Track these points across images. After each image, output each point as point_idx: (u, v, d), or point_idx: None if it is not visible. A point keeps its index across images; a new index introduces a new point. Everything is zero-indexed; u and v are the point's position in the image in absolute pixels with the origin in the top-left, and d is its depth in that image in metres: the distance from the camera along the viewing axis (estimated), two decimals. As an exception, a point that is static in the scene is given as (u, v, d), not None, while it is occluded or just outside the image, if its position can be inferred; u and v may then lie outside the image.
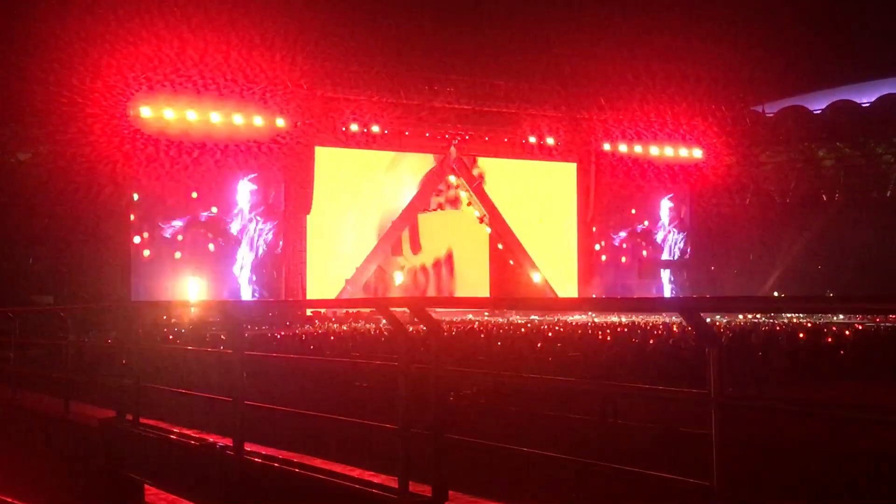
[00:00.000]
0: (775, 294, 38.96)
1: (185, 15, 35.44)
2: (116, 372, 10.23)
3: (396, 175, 41.62)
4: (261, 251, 37.89)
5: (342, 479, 6.62)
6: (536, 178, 44.32)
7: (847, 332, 25.39)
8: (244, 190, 37.71)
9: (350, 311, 36.38)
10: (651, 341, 23.10)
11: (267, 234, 37.97)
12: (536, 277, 43.58)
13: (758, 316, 32.62)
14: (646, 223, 46.55)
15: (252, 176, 37.76)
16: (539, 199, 44.31)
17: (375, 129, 40.02)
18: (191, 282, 36.41)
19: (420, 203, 41.85)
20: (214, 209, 37.11)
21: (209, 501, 8.02)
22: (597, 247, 45.26)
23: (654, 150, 45.44)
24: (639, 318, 33.80)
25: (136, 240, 35.68)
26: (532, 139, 43.08)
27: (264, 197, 38.03)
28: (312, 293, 38.80)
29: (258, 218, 37.88)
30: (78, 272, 33.57)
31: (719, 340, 4.71)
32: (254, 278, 37.73)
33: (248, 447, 7.66)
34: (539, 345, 22.54)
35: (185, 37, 35.55)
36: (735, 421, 4.58)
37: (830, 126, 45.17)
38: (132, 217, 35.60)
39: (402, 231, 41.76)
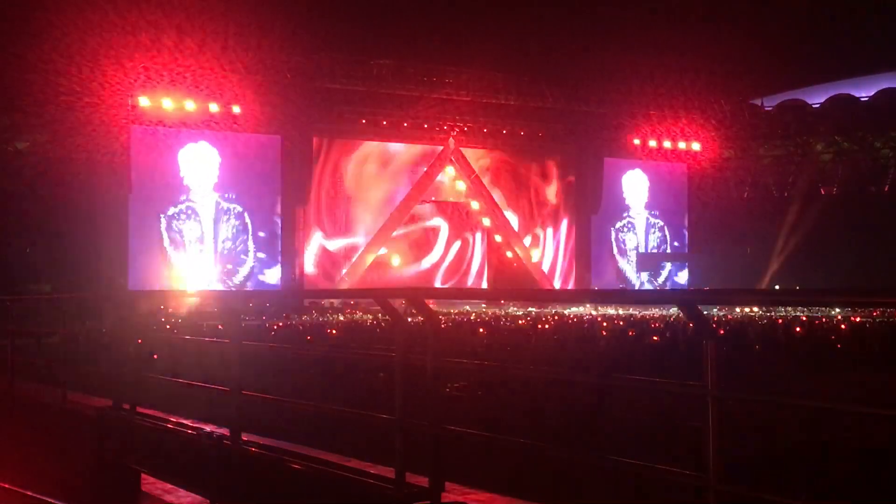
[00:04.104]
0: (776, 287, 38.95)
1: (183, 4, 35.38)
2: (113, 361, 10.23)
3: (394, 166, 41.59)
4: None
5: (339, 469, 6.63)
6: (535, 170, 44.38)
7: (844, 326, 25.47)
8: (242, 179, 37.68)
9: (349, 301, 36.48)
10: (649, 334, 23.16)
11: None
12: (533, 269, 43.59)
13: (755, 309, 32.70)
14: (644, 216, 46.55)
15: (250, 165, 37.72)
16: (537, 190, 44.38)
17: (374, 120, 40.01)
18: (188, 271, 36.43)
19: (418, 194, 41.82)
20: (214, 198, 37.06)
21: (206, 491, 8.03)
22: (595, 240, 45.27)
23: (651, 143, 45.45)
24: (637, 311, 33.88)
25: (134, 229, 35.65)
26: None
27: (262, 186, 38.01)
28: (309, 283, 38.84)
29: (256, 206, 37.85)
30: (76, 261, 33.55)
31: (716, 333, 4.72)
32: (253, 267, 37.76)
33: (245, 437, 7.68)
34: (536, 337, 22.60)
35: (184, 27, 35.48)
36: (731, 414, 4.59)
37: (829, 120, 45.14)
38: (130, 206, 35.54)
39: (400, 222, 41.72)
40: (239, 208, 37.63)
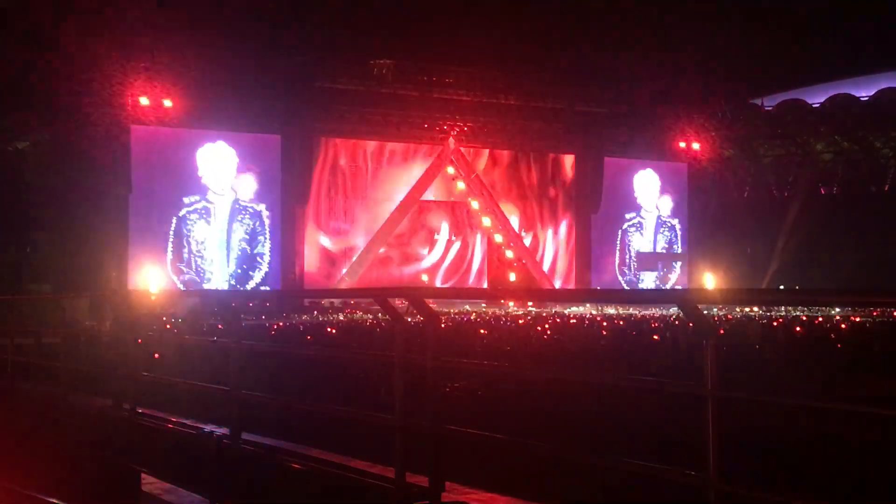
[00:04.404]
0: (780, 287, 38.91)
1: (184, 4, 35.40)
2: (113, 361, 10.24)
3: (394, 166, 41.57)
4: (260, 241, 37.85)
5: (339, 469, 6.63)
6: (535, 170, 44.40)
7: (844, 326, 25.48)
8: (243, 180, 37.66)
9: (349, 301, 36.46)
10: (648, 333, 23.15)
11: (264, 224, 37.92)
12: (534, 269, 43.58)
13: (755, 309, 32.70)
14: (644, 216, 46.51)
15: (250, 165, 37.71)
16: (537, 190, 44.41)
17: (374, 119, 40.01)
18: (188, 271, 36.41)
19: (418, 194, 41.80)
20: (213, 198, 37.03)
21: (206, 490, 8.04)
22: (595, 238, 45.24)
23: (652, 143, 45.40)
24: (637, 310, 33.88)
25: (134, 229, 35.61)
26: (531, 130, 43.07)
27: (262, 186, 37.99)
28: (310, 283, 38.83)
29: (257, 207, 37.83)
30: (76, 261, 33.56)
31: (716, 333, 4.72)
32: (250, 268, 37.74)
33: (244, 437, 7.68)
34: (538, 336, 22.60)
35: (184, 27, 35.47)
36: (731, 413, 4.59)
37: (829, 120, 45.16)
38: (130, 206, 35.49)
39: (400, 222, 41.71)
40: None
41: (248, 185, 37.78)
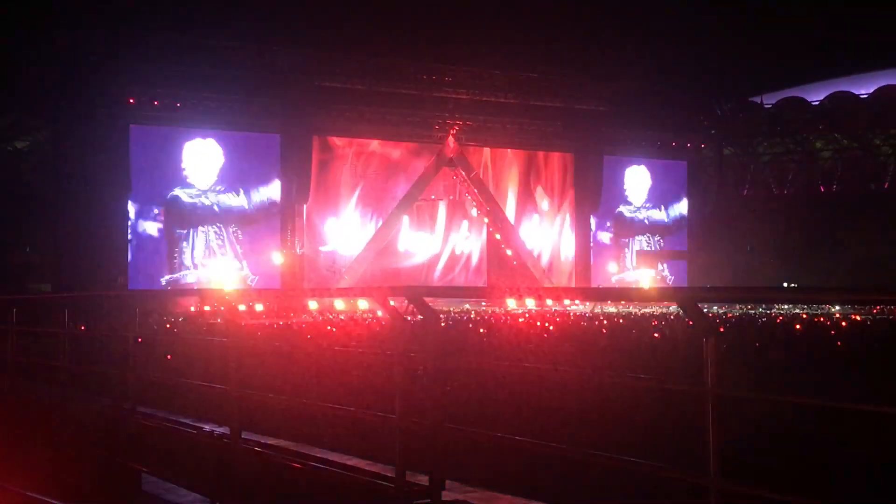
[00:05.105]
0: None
1: (186, 3, 35.41)
2: (113, 361, 10.23)
3: (394, 165, 41.56)
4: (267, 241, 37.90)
5: (339, 468, 6.62)
6: (535, 168, 44.38)
7: (844, 324, 25.47)
8: (241, 178, 37.68)
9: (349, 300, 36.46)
10: (648, 332, 23.12)
11: (264, 223, 37.96)
12: (533, 267, 43.56)
13: (755, 307, 32.67)
14: (644, 214, 46.52)
15: (250, 164, 37.73)
16: (537, 188, 44.41)
17: (374, 118, 39.99)
18: (189, 269, 36.42)
19: (418, 192, 41.81)
20: (213, 196, 37.04)
21: (206, 490, 8.03)
22: (594, 237, 45.25)
23: (652, 140, 45.41)
24: (636, 309, 33.88)
25: (133, 228, 35.61)
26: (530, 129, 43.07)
27: (262, 184, 38.02)
28: (310, 282, 38.84)
29: (257, 205, 37.86)
30: (76, 261, 33.56)
31: (717, 331, 4.71)
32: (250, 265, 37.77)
33: (245, 436, 7.67)
34: (538, 334, 22.58)
35: (183, 25, 35.46)
36: (732, 413, 4.59)
37: (829, 117, 45.19)
38: (129, 204, 35.49)
39: (400, 220, 41.73)
40: (243, 206, 37.87)
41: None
